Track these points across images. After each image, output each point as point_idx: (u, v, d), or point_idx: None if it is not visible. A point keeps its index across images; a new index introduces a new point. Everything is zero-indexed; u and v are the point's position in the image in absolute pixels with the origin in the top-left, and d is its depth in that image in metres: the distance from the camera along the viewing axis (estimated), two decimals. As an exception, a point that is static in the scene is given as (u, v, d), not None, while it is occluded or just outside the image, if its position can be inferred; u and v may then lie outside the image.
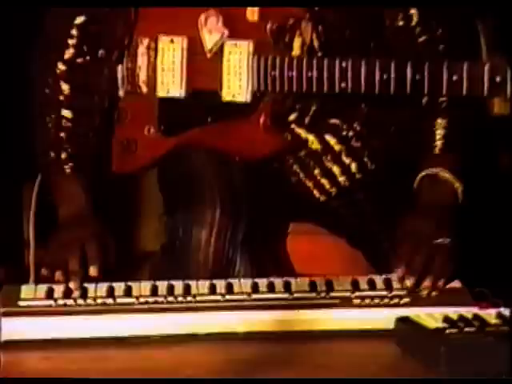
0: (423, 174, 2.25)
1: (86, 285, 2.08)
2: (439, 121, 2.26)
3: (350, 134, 2.35)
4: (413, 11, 2.28)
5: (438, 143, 2.26)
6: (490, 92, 2.17)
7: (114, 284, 2.08)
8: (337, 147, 2.35)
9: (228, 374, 1.80)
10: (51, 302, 2.01)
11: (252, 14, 2.26)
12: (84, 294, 2.05)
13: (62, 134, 2.30)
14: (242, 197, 2.24)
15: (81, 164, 2.31)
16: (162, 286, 2.06)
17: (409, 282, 2.05)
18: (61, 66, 2.32)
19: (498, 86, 2.16)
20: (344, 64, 2.20)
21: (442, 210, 2.21)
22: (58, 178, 2.30)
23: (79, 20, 2.32)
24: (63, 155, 2.30)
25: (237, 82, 2.25)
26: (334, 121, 2.34)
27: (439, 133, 2.27)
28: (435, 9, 2.28)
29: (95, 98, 2.34)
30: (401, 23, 2.30)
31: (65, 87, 2.32)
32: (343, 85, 2.20)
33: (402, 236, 2.16)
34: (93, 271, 2.11)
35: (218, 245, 2.18)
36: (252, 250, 2.23)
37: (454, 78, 2.17)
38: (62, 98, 2.31)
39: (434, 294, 2.07)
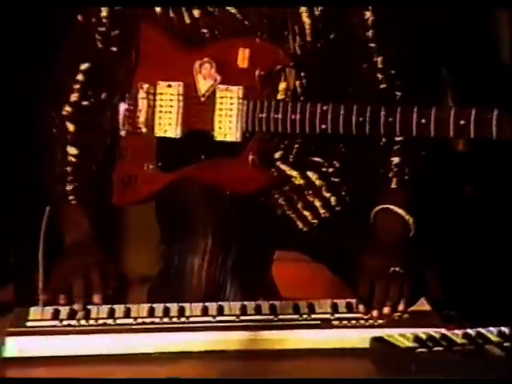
0: (378, 207, 2.25)
1: (88, 306, 2.08)
2: (395, 159, 2.26)
3: (330, 170, 2.36)
4: (377, 58, 2.28)
5: (393, 179, 2.26)
6: (455, 134, 2.17)
7: (115, 306, 2.08)
8: (318, 182, 2.36)
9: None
10: (57, 323, 2.02)
11: (242, 61, 2.26)
12: (87, 315, 2.05)
13: (68, 169, 2.31)
14: (231, 227, 2.24)
15: (84, 196, 2.31)
16: (159, 308, 2.06)
17: (372, 314, 2.05)
18: (67, 108, 2.34)
19: (462, 128, 2.15)
20: (325, 107, 2.21)
21: (395, 240, 2.21)
22: (63, 208, 2.31)
23: (84, 66, 2.34)
24: (68, 187, 2.30)
25: (228, 124, 2.25)
26: (315, 158, 2.35)
27: (394, 170, 2.26)
28: (399, 58, 2.30)
29: (98, 136, 2.36)
30: (366, 71, 2.31)
31: (70, 127, 2.33)
32: (323, 126, 2.21)
33: (361, 269, 2.16)
34: (96, 299, 2.12)
35: (210, 271, 2.18)
36: (241, 276, 2.22)
37: (423, 121, 2.16)
38: (68, 136, 2.33)
39: (405, 316, 2.07)
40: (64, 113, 2.34)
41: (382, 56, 2.30)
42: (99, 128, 2.37)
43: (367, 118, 2.19)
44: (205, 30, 2.31)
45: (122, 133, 2.35)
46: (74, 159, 2.32)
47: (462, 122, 2.14)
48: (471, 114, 2.15)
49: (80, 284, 2.14)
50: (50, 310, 2.07)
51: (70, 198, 2.30)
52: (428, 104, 2.24)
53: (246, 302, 2.09)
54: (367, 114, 2.19)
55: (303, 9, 2.28)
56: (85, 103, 2.35)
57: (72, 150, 2.32)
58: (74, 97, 2.34)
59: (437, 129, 2.16)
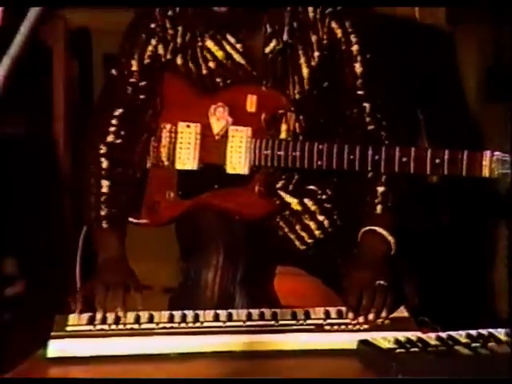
0: (365, 229, 2.25)
1: (119, 314, 2.09)
2: (380, 189, 2.26)
3: (324, 197, 2.36)
4: (365, 104, 2.29)
5: (378, 206, 2.25)
6: (431, 171, 2.18)
7: (140, 313, 2.10)
8: (313, 208, 2.36)
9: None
10: (91, 327, 2.04)
11: (251, 106, 2.27)
12: (117, 321, 2.07)
13: (102, 198, 2.31)
14: (240, 247, 2.24)
15: (115, 221, 2.32)
16: (177, 314, 2.07)
17: (358, 320, 2.06)
18: (103, 147, 2.35)
19: (437, 166, 2.16)
20: (321, 146, 2.22)
21: (379, 257, 2.21)
22: (97, 231, 2.32)
23: (117, 112, 2.35)
24: (102, 213, 2.31)
25: (237, 159, 2.27)
26: (311, 187, 2.35)
27: (379, 198, 2.26)
28: (384, 103, 2.30)
29: (129, 170, 2.36)
30: (355, 114, 2.32)
31: (105, 163, 2.34)
32: (319, 163, 2.22)
33: (350, 282, 2.17)
34: (119, 311, 2.11)
35: (222, 284, 2.19)
36: (248, 288, 2.22)
37: (404, 159, 2.17)
38: (102, 171, 2.33)
39: (387, 322, 2.08)
40: (100, 151, 2.34)
41: (369, 102, 2.29)
42: (129, 163, 2.36)
43: (357, 156, 2.20)
44: (218, 79, 2.32)
45: (148, 165, 2.36)
46: (106, 190, 2.32)
47: (437, 161, 2.15)
48: (445, 153, 2.16)
49: (105, 297, 2.15)
50: (85, 316, 2.09)
51: (103, 222, 2.31)
52: (407, 142, 2.27)
53: (251, 310, 2.10)
54: (357, 153, 2.20)
55: (302, 60, 2.29)
56: (118, 142, 2.35)
57: (105, 183, 2.32)
58: (109, 138, 2.35)
59: (416, 166, 2.17)
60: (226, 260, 2.19)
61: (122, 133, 2.36)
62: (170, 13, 2.32)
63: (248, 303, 2.19)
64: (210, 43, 2.32)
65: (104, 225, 2.31)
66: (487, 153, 2.13)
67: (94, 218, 2.32)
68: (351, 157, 2.20)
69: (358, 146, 2.21)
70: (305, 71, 2.30)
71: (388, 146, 2.20)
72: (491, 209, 2.78)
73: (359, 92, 2.30)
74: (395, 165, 2.18)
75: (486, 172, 2.13)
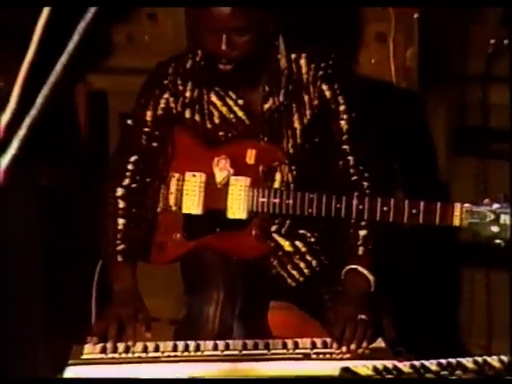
0: (348, 268, 2.21)
1: (129, 344, 2.06)
2: (362, 232, 2.22)
3: (312, 240, 2.31)
4: (350, 157, 2.26)
5: (360, 248, 2.21)
6: (408, 220, 2.15)
7: (147, 343, 2.06)
8: (303, 249, 2.31)
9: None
10: (103, 356, 2.01)
11: (250, 158, 2.23)
12: (126, 350, 2.03)
13: (118, 235, 2.27)
14: (238, 284, 2.20)
15: (130, 255, 2.27)
16: (180, 344, 2.04)
17: (342, 349, 2.03)
18: (119, 190, 2.30)
19: (413, 215, 2.13)
20: (311, 196, 2.18)
21: (360, 294, 2.17)
22: (113, 264, 2.27)
23: (133, 158, 2.30)
24: (118, 248, 2.26)
25: (237, 205, 2.22)
26: (301, 231, 2.30)
27: (361, 241, 2.22)
28: (366, 157, 2.27)
29: (142, 211, 2.31)
30: (341, 166, 2.28)
31: (121, 204, 2.29)
32: (310, 210, 2.18)
33: (334, 315, 2.14)
34: (129, 340, 2.08)
35: (222, 317, 2.14)
36: (245, 320, 2.17)
37: (385, 209, 2.15)
38: (118, 211, 2.29)
39: (366, 351, 2.04)
40: (117, 193, 2.30)
41: (353, 155, 2.26)
42: (143, 204, 2.32)
43: (343, 205, 2.16)
44: (221, 133, 2.28)
45: (158, 209, 2.31)
46: (122, 227, 2.28)
47: (413, 211, 2.11)
48: (420, 205, 2.12)
49: (117, 331, 2.11)
50: (99, 346, 2.05)
51: (119, 256, 2.26)
52: (386, 191, 2.24)
53: (246, 340, 2.06)
54: (343, 202, 2.16)
55: (296, 117, 2.26)
56: (133, 186, 2.31)
57: (121, 221, 2.28)
58: (125, 181, 2.31)
59: (394, 215, 2.14)
60: (226, 296, 2.15)
61: (137, 177, 2.31)
62: (181, 70, 2.29)
63: (245, 334, 2.14)
64: (214, 98, 2.28)
65: (119, 258, 2.26)
66: (458, 204, 2.10)
67: (111, 253, 2.27)
68: (338, 205, 2.16)
69: (344, 196, 2.17)
70: (298, 127, 2.27)
71: (371, 197, 2.17)
72: (459, 254, 2.75)
73: (344, 146, 2.26)
74: (377, 214, 2.15)
75: (456, 222, 2.10)
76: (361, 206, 2.15)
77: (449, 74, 2.88)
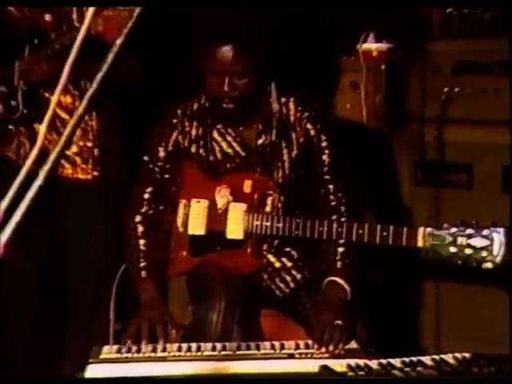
0: (328, 279, 2.14)
1: (141, 345, 1.99)
2: (340, 249, 2.16)
3: (297, 257, 2.25)
4: (330, 186, 2.21)
5: (338, 262, 2.15)
6: (380, 241, 2.08)
7: (157, 345, 1.99)
8: (289, 265, 2.25)
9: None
10: (119, 355, 1.93)
11: (246, 188, 2.18)
12: (138, 351, 1.95)
13: (141, 254, 2.20)
14: (237, 295, 2.13)
15: (151, 271, 2.19)
16: (184, 345, 1.96)
17: (321, 350, 1.97)
18: (138, 217, 2.23)
19: (384, 237, 2.06)
20: (298, 220, 2.12)
21: (338, 302, 2.10)
22: (138, 279, 2.19)
23: (149, 189, 2.24)
24: (141, 265, 2.18)
25: (235, 227, 2.15)
26: (287, 249, 2.24)
27: (339, 257, 2.16)
28: (343, 186, 2.23)
29: (158, 233, 2.25)
30: (323, 193, 2.22)
31: (140, 228, 2.22)
32: (297, 232, 2.11)
33: (316, 321, 2.08)
34: (160, 342, 2.02)
35: (223, 323, 2.07)
36: (242, 325, 2.11)
37: (360, 231, 2.08)
38: (138, 234, 2.22)
39: (342, 352, 1.98)
40: (136, 220, 2.23)
41: (333, 184, 2.21)
42: (159, 228, 2.25)
43: (325, 228, 2.09)
44: (222, 166, 2.22)
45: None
46: (143, 248, 2.21)
47: (384, 234, 2.04)
48: (390, 228, 2.05)
49: (147, 331, 2.05)
50: (115, 347, 1.96)
51: (142, 273, 2.18)
52: (359, 214, 2.20)
53: (240, 342, 1.98)
54: (325, 226, 2.09)
55: (285, 152, 2.20)
56: (150, 213, 2.24)
57: (142, 242, 2.21)
58: (142, 209, 2.24)
59: (368, 237, 2.06)
60: (227, 305, 2.08)
61: (153, 205, 2.24)
62: (188, 112, 2.23)
63: (242, 337, 2.07)
64: (216, 135, 2.22)
65: (143, 274, 2.17)
66: (421, 229, 2.02)
67: (136, 270, 2.18)
68: (320, 228, 2.09)
69: (325, 220, 2.10)
70: (286, 160, 2.21)
71: (348, 222, 2.09)
72: (419, 270, 2.68)
73: (326, 177, 2.21)
74: (353, 235, 2.07)
75: (420, 243, 2.02)
76: (340, 229, 2.08)
77: (411, 116, 2.83)
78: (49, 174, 1.11)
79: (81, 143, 2.34)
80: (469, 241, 1.97)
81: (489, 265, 1.95)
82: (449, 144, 2.77)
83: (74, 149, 2.33)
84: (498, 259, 1.94)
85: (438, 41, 2.78)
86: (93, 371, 1.86)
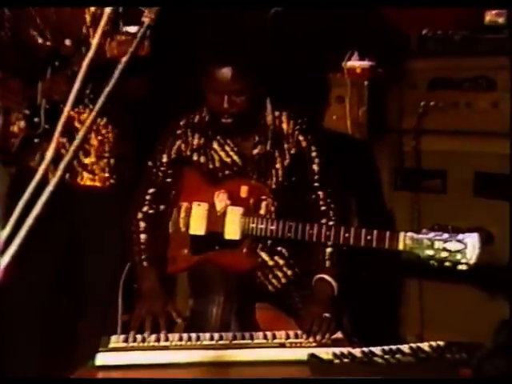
0: (317, 277, 2.12)
1: (145, 335, 1.95)
2: (328, 250, 2.13)
3: (288, 255, 2.22)
4: (320, 192, 2.18)
5: (327, 261, 2.13)
6: (364, 244, 2.05)
7: (160, 334, 1.95)
8: (281, 262, 2.22)
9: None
10: (126, 345, 1.89)
11: (243, 193, 2.15)
12: (143, 340, 1.92)
13: (142, 247, 2.17)
14: (234, 290, 2.10)
15: (153, 261, 2.16)
16: (184, 335, 1.93)
17: (310, 339, 1.94)
18: (140, 214, 2.20)
19: (369, 241, 2.03)
20: (290, 223, 2.09)
21: (326, 297, 2.08)
22: (140, 269, 2.16)
23: (151, 190, 2.21)
24: (142, 257, 2.16)
25: (232, 229, 2.12)
26: (279, 248, 2.22)
27: (327, 256, 2.13)
28: (332, 192, 2.20)
29: (159, 230, 2.21)
30: (313, 199, 2.20)
31: (142, 224, 2.19)
32: (289, 234, 2.09)
33: (305, 313, 2.05)
34: (162, 330, 1.99)
35: (222, 316, 2.04)
36: (239, 318, 2.09)
37: (346, 235, 2.06)
38: (140, 229, 2.19)
39: (328, 341, 1.95)
40: (138, 216, 2.20)
41: (322, 191, 2.18)
42: (160, 225, 2.21)
43: (315, 232, 2.07)
44: (220, 172, 2.19)
45: (171, 230, 2.21)
46: (144, 241, 2.18)
47: (368, 237, 2.02)
48: (373, 233, 2.03)
49: (150, 320, 2.01)
50: (122, 337, 1.93)
51: (144, 263, 2.15)
52: (345, 218, 2.19)
53: (236, 333, 1.95)
54: (315, 229, 2.07)
55: (278, 161, 2.18)
56: (150, 212, 2.21)
57: (143, 236, 2.18)
58: (144, 208, 2.21)
59: (354, 240, 2.04)
60: (226, 299, 2.05)
61: (154, 205, 2.21)
62: (190, 124, 2.20)
63: (239, 329, 2.04)
64: (215, 145, 2.19)
65: (145, 264, 2.14)
66: (402, 233, 2.00)
67: (138, 261, 2.15)
68: (311, 231, 2.06)
69: (315, 224, 2.07)
70: (279, 169, 2.18)
71: (336, 226, 2.07)
72: (399, 268, 2.63)
73: (315, 184, 2.18)
74: (340, 239, 2.05)
75: (401, 246, 1.99)
76: (328, 233, 2.06)
77: (390, 128, 2.81)
78: (59, 180, 1.09)
79: (98, 153, 2.32)
80: (445, 245, 1.95)
81: (463, 267, 1.93)
82: (425, 152, 2.76)
83: (93, 159, 2.32)
84: (472, 262, 1.92)
85: (415, 59, 2.78)
86: (102, 359, 1.83)
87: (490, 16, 2.65)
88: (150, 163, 2.24)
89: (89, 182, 2.33)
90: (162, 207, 2.23)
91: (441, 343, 1.86)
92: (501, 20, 2.63)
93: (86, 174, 2.32)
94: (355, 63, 2.75)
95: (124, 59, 1.21)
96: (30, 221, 1.05)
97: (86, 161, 2.31)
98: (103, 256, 2.36)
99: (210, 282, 2.10)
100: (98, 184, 2.34)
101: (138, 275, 2.16)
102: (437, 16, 2.70)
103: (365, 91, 2.74)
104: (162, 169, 2.22)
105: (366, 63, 2.74)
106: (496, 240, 2.58)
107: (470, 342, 1.86)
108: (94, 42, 1.19)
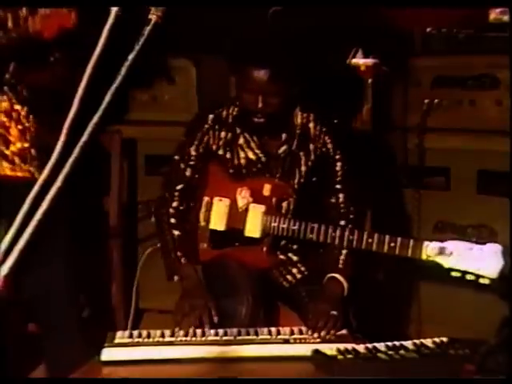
0: (329, 276, 2.11)
1: (150, 331, 1.91)
2: (344, 251, 2.12)
3: (303, 253, 2.23)
4: (340, 195, 2.19)
5: (341, 262, 2.12)
6: (387, 251, 2.04)
7: (165, 330, 1.92)
8: (295, 259, 2.23)
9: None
10: (131, 340, 1.86)
11: (266, 191, 2.15)
12: (148, 336, 1.88)
13: (176, 243, 2.16)
14: (259, 289, 2.10)
15: (190, 257, 2.15)
16: (190, 331, 1.91)
17: (315, 335, 1.93)
18: (171, 210, 2.19)
19: (392, 248, 2.03)
20: (313, 225, 2.08)
21: (336, 296, 2.08)
22: (178, 266, 2.14)
23: (179, 187, 2.20)
24: (178, 253, 2.14)
25: (253, 226, 2.11)
26: (294, 246, 2.22)
27: (342, 257, 2.13)
28: (353, 195, 2.20)
29: (188, 225, 2.21)
30: (334, 201, 2.20)
31: (173, 220, 2.18)
32: (311, 235, 2.08)
33: (312, 309, 2.04)
34: (206, 326, 1.98)
35: (251, 314, 2.04)
36: (265, 318, 2.08)
37: (369, 241, 2.04)
38: (172, 225, 2.18)
39: (332, 337, 1.94)
40: (170, 212, 2.19)
41: (343, 193, 2.18)
42: (188, 220, 2.21)
43: (337, 235, 2.07)
44: (244, 170, 2.19)
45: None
46: (177, 237, 2.16)
47: (392, 244, 2.02)
48: (397, 240, 2.02)
49: (194, 316, 2.01)
50: (127, 332, 1.90)
51: (182, 260, 2.13)
52: (362, 220, 2.22)
53: (241, 329, 1.92)
54: (337, 233, 2.07)
55: (302, 161, 2.18)
56: (181, 208, 2.20)
57: (176, 232, 2.17)
58: (174, 204, 2.19)
59: (377, 246, 2.03)
60: (253, 299, 2.04)
61: (183, 201, 2.20)
62: (219, 119, 2.20)
63: (265, 324, 2.02)
64: (242, 142, 2.18)
65: (183, 261, 2.13)
66: (426, 242, 1.98)
67: (175, 258, 2.13)
68: (333, 234, 2.05)
69: (338, 227, 2.07)
70: (303, 169, 2.18)
71: (359, 231, 2.06)
72: (404, 271, 2.63)
73: (337, 186, 2.18)
74: (363, 244, 2.04)
75: (424, 256, 1.99)
76: (351, 237, 2.04)
77: (394, 125, 2.81)
78: None
79: (19, 143, 2.24)
80: (468, 257, 1.94)
81: (485, 281, 1.92)
82: (428, 150, 2.75)
83: (13, 148, 2.23)
84: (494, 276, 1.91)
85: (419, 57, 2.77)
86: (108, 354, 1.81)
87: (494, 14, 2.64)
88: (176, 157, 2.22)
89: (9, 172, 2.25)
90: (191, 204, 2.21)
91: (444, 339, 1.85)
92: (505, 18, 2.62)
93: (5, 164, 2.24)
94: (359, 61, 2.73)
95: (130, 56, 1.19)
96: None
97: (6, 151, 2.23)
98: None
99: (235, 281, 2.09)
100: (18, 174, 2.26)
101: (178, 273, 2.14)
102: (441, 14, 2.69)
103: (369, 89, 2.73)
104: (191, 163, 2.20)
105: (370, 61, 2.72)
106: (499, 237, 2.57)
107: (473, 339, 1.85)
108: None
